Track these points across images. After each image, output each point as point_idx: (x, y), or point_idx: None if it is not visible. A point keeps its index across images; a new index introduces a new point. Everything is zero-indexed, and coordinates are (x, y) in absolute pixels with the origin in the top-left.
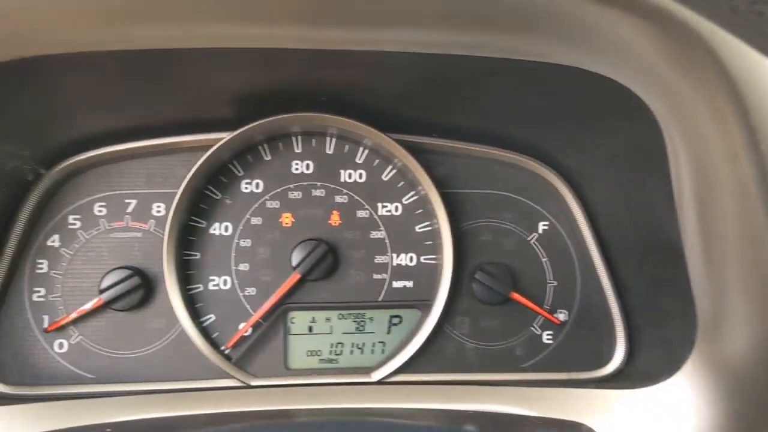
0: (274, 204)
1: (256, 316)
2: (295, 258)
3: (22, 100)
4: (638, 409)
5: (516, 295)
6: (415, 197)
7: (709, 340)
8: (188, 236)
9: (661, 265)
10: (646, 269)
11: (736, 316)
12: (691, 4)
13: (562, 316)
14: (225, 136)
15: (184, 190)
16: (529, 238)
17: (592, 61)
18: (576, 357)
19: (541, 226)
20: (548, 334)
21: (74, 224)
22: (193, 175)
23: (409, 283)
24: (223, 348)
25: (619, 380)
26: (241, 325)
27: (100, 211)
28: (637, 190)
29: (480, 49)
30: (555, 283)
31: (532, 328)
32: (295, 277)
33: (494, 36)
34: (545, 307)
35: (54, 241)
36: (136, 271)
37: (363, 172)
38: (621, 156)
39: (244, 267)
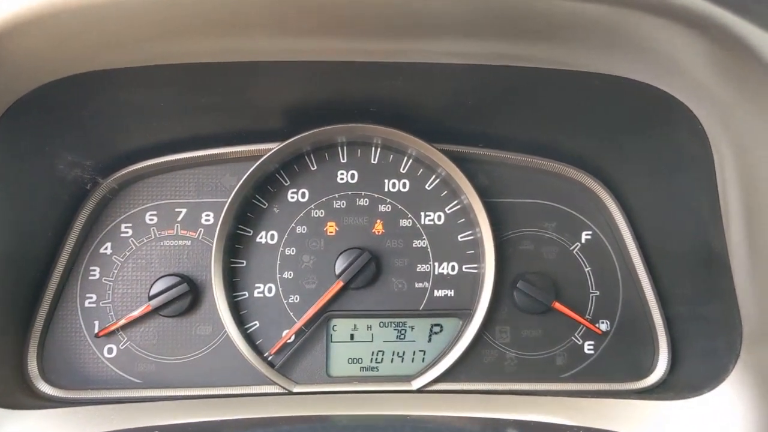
0: (318, 213)
1: (299, 323)
2: (339, 266)
3: (87, 113)
4: (682, 420)
5: (558, 305)
6: (457, 206)
7: (754, 350)
8: (235, 244)
9: (705, 274)
10: (690, 279)
11: None
12: (746, 18)
13: (604, 326)
14: (273, 147)
15: (233, 199)
16: (571, 248)
17: (641, 71)
18: (618, 367)
19: (584, 236)
20: (590, 344)
21: (126, 232)
22: (242, 184)
23: (451, 292)
24: (266, 354)
25: (661, 391)
26: (285, 332)
27: (151, 219)
28: (681, 200)
29: (527, 59)
30: (597, 293)
31: (574, 338)
32: (339, 284)
33: (542, 47)
34: (587, 317)
35: (106, 248)
36: (185, 278)
37: (406, 181)
38: (665, 165)
39: (288, 275)
